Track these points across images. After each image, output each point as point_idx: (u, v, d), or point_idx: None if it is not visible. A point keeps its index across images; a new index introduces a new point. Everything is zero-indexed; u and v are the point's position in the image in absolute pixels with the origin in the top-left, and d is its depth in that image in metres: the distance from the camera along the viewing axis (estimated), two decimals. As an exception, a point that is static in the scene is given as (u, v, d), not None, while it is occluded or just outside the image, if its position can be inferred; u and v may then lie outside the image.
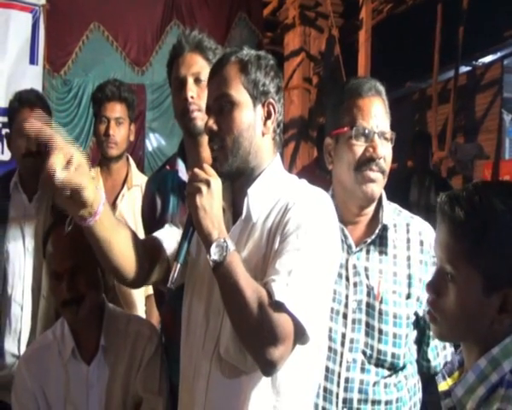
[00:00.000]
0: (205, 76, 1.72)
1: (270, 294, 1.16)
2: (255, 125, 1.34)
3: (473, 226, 0.99)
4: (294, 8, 5.83)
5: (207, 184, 1.23)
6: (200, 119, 1.72)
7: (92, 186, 1.16)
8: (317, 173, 3.94)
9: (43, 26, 3.91)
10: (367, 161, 1.50)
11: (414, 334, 1.56)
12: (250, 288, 1.17)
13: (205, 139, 1.74)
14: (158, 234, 1.45)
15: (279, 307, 1.15)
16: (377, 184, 1.52)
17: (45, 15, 3.91)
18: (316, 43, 5.88)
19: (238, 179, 1.36)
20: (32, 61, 3.88)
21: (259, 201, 1.33)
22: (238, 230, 1.34)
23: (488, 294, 0.98)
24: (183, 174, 1.80)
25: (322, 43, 5.86)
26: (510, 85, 6.79)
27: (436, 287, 1.06)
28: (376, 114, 1.52)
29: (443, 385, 1.09)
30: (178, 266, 1.24)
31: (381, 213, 1.57)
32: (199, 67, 1.76)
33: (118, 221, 1.30)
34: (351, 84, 1.58)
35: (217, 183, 1.25)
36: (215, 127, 1.33)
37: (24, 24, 3.87)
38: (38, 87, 3.60)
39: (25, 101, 2.24)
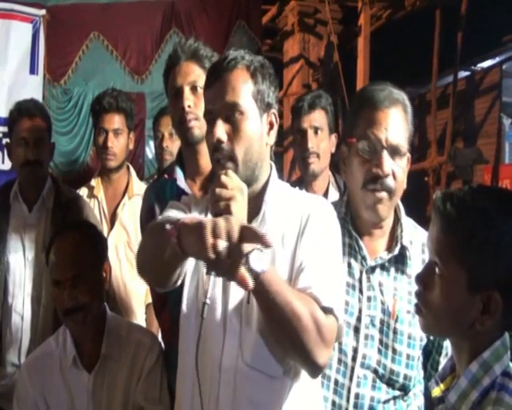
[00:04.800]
0: (201, 84, 1.72)
1: (315, 300, 1.19)
2: (262, 136, 1.33)
3: (462, 224, 1.00)
4: (293, 15, 5.86)
5: (241, 191, 1.19)
6: (198, 127, 1.73)
7: None
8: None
9: (44, 36, 3.92)
10: (372, 179, 1.43)
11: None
12: (297, 296, 1.18)
13: (203, 147, 1.75)
14: None
15: (329, 311, 1.21)
16: (383, 205, 1.45)
17: (45, 25, 3.92)
18: (315, 49, 5.90)
19: None
20: (33, 70, 3.89)
21: (272, 208, 1.33)
22: None
23: (472, 292, 0.99)
24: (182, 183, 1.80)
25: (321, 50, 5.89)
26: (509, 90, 6.82)
27: (424, 279, 1.07)
28: (388, 126, 1.43)
29: (436, 391, 1.10)
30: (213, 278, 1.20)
31: (400, 230, 1.50)
32: (195, 75, 1.76)
33: None
34: (365, 92, 1.51)
35: (246, 190, 1.22)
36: (225, 138, 1.28)
37: (24, 34, 3.88)
38: (39, 97, 3.60)
39: (24, 111, 2.25)
